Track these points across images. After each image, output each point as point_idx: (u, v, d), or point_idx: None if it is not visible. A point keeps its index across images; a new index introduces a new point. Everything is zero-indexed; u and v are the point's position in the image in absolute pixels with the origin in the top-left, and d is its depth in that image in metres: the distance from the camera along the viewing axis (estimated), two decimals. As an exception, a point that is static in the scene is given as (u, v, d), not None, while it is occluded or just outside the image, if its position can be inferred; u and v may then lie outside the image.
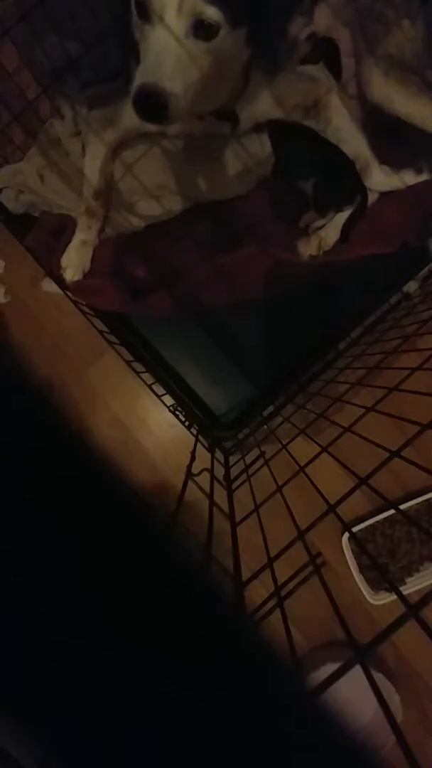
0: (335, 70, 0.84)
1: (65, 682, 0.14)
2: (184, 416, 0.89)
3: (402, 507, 0.98)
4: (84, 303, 0.87)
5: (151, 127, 0.88)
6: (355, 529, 0.98)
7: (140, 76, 0.59)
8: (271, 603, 0.42)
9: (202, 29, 0.60)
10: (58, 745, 0.13)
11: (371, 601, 0.96)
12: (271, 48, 0.80)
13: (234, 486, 0.67)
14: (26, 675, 0.14)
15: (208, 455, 0.78)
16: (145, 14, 0.60)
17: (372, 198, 0.89)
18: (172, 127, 0.86)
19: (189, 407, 0.93)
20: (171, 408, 0.89)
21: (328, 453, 0.56)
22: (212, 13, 0.59)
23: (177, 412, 0.89)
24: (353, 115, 0.85)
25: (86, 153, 0.88)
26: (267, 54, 0.79)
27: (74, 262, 0.88)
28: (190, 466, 0.62)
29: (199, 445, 0.77)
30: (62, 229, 0.92)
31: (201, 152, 0.91)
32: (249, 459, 0.76)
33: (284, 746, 0.14)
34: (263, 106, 0.83)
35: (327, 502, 0.46)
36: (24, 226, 0.92)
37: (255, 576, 0.45)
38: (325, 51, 0.83)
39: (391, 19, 0.75)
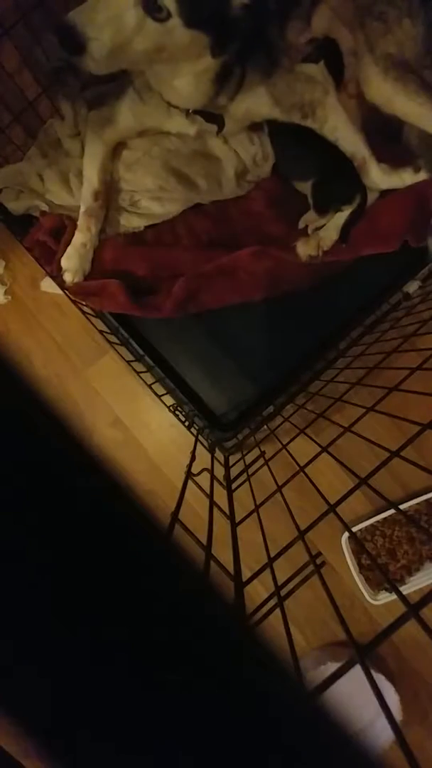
0: (337, 70, 0.84)
1: (65, 686, 0.14)
2: (184, 416, 0.89)
3: (402, 507, 0.98)
4: (84, 303, 0.87)
5: (149, 126, 0.88)
6: (355, 529, 0.98)
7: (74, 12, 0.61)
8: (271, 603, 0.42)
9: (152, 6, 0.61)
10: (62, 749, 0.13)
11: (371, 601, 0.96)
12: (270, 48, 0.80)
13: (234, 486, 0.67)
14: (26, 675, 0.14)
15: (208, 455, 0.78)
16: None
17: (371, 198, 0.89)
18: (169, 125, 0.86)
19: (189, 407, 0.93)
20: (171, 408, 0.89)
21: (328, 453, 0.56)
22: None
23: (177, 412, 0.89)
24: (352, 113, 0.85)
25: (85, 153, 0.88)
26: (265, 54, 0.79)
27: (74, 264, 0.88)
28: (190, 466, 0.62)
29: (199, 445, 0.77)
30: (62, 229, 0.92)
31: (201, 152, 0.91)
32: (249, 459, 0.76)
33: (285, 747, 0.14)
34: (260, 105, 0.83)
35: (327, 502, 0.46)
36: (24, 226, 0.92)
37: (255, 576, 0.45)
38: (326, 51, 0.83)
39: (391, 17, 0.75)
